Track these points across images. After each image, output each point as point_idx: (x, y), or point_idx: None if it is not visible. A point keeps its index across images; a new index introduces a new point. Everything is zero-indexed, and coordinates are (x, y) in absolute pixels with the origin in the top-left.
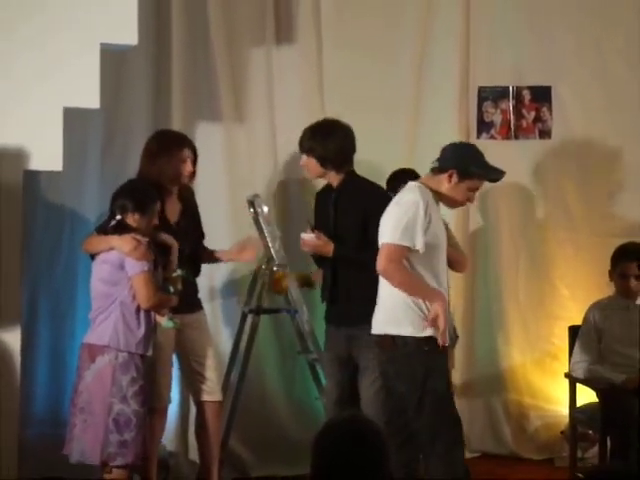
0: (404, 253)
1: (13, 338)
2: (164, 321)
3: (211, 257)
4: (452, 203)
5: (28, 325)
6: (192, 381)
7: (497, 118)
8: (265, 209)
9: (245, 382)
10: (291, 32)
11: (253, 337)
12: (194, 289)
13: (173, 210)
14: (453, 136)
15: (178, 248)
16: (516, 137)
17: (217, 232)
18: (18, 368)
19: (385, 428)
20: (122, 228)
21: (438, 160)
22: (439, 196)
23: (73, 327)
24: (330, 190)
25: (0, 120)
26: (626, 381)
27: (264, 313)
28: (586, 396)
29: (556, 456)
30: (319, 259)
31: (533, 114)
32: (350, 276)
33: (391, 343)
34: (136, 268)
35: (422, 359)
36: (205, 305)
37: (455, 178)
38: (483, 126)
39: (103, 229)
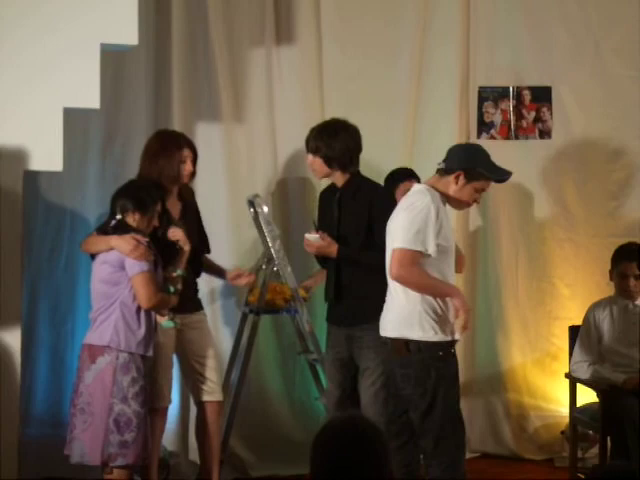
0: (417, 258)
1: (13, 338)
2: (164, 321)
3: (214, 268)
4: (459, 204)
5: (28, 325)
6: (192, 381)
7: (497, 118)
8: (265, 209)
9: (245, 382)
10: (291, 32)
11: (253, 337)
12: (194, 289)
13: (173, 210)
14: (453, 136)
15: (177, 248)
16: (516, 137)
17: (217, 232)
18: (18, 368)
19: (386, 429)
20: (122, 228)
21: (444, 161)
22: (446, 198)
23: (73, 327)
24: (334, 190)
25: (0, 120)
26: (626, 381)
27: (264, 313)
28: (586, 396)
29: (556, 456)
30: (322, 259)
31: (533, 114)
32: (354, 277)
33: (404, 347)
34: (136, 268)
35: (436, 365)
36: (205, 305)
37: (462, 180)
38: (483, 126)
39: (103, 229)
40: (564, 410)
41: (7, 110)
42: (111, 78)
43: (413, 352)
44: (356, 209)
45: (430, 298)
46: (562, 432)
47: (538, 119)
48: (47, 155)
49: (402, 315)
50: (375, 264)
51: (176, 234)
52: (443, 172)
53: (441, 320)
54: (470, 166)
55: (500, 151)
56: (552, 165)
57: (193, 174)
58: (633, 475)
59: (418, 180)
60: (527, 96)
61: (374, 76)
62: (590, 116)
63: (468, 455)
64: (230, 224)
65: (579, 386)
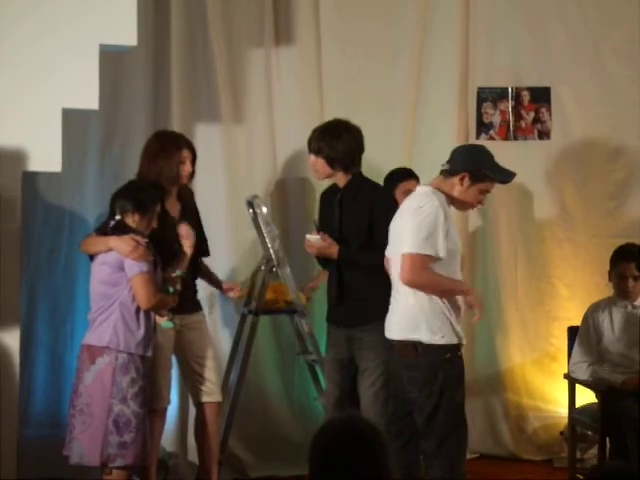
0: (427, 262)
1: (12, 339)
2: (164, 322)
3: (210, 277)
4: (463, 206)
5: (27, 326)
6: (191, 382)
7: (496, 119)
8: (264, 209)
9: (244, 383)
10: (290, 32)
11: (252, 338)
12: (194, 290)
13: (172, 211)
14: (452, 137)
15: (177, 249)
16: (515, 138)
17: (216, 232)
18: (17, 369)
19: (386, 429)
20: (121, 229)
21: (448, 162)
22: (450, 199)
23: (72, 328)
24: (335, 191)
25: None
26: (625, 382)
27: (263, 314)
28: (585, 397)
29: (555, 457)
30: (323, 260)
31: (532, 115)
32: (355, 277)
33: (412, 349)
34: (135, 269)
35: (443, 367)
36: (204, 306)
37: (467, 181)
38: (482, 127)
39: (102, 230)
40: (563, 411)
41: (6, 111)
42: (110, 78)
43: (420, 354)
44: (357, 210)
45: (437, 300)
46: (561, 433)
47: (537, 120)
48: (46, 156)
49: (408, 317)
50: (375, 264)
51: (188, 234)
52: (447, 173)
53: (448, 323)
54: (475, 167)
55: (499, 152)
56: (551, 165)
57: (192, 175)
58: (632, 476)
59: (417, 180)
60: (526, 97)
61: (373, 76)
62: (589, 116)
63: (467, 456)
64: (229, 225)
65: (578, 387)
